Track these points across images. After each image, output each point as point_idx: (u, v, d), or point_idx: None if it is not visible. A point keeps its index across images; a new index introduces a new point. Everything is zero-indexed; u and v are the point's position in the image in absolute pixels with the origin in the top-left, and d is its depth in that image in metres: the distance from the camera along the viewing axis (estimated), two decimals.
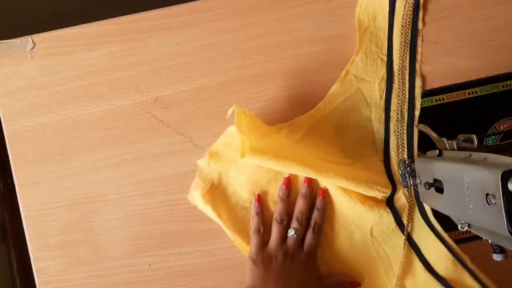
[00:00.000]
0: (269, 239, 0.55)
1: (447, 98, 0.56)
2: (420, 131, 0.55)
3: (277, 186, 0.56)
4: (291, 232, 0.54)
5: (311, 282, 0.54)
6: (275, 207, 0.56)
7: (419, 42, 0.56)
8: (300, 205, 0.55)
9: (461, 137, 0.46)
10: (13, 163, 0.58)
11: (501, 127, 0.56)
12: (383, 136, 0.56)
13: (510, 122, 0.56)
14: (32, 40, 0.57)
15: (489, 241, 0.45)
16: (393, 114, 0.56)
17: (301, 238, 0.55)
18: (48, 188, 0.58)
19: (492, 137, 0.56)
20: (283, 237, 0.54)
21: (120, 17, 0.58)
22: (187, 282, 0.58)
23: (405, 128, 0.56)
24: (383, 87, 0.56)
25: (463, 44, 0.56)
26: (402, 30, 0.55)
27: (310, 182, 0.55)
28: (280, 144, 0.54)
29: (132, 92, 0.58)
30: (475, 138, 0.45)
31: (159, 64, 0.57)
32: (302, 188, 0.55)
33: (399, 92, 0.56)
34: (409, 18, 0.55)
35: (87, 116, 0.58)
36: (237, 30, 0.57)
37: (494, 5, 0.56)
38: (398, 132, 0.55)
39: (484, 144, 0.56)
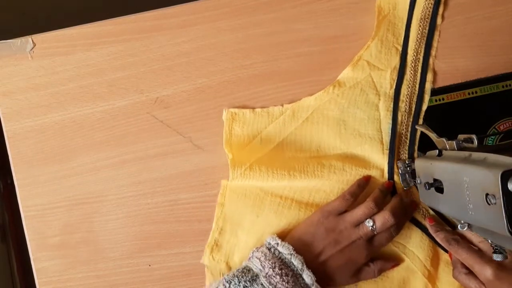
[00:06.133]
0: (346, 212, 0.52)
1: (447, 98, 0.56)
2: (420, 131, 0.55)
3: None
4: (369, 223, 0.50)
5: (353, 267, 0.51)
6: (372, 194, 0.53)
7: (436, 37, 0.56)
8: (395, 202, 0.53)
9: (461, 137, 0.46)
10: (13, 163, 0.58)
11: (501, 127, 0.56)
12: (390, 125, 0.55)
13: (510, 122, 0.56)
14: (32, 40, 0.57)
15: (489, 241, 0.45)
16: (401, 104, 0.55)
17: (373, 236, 0.51)
18: (48, 188, 0.58)
19: (492, 137, 0.56)
20: (360, 221, 0.51)
21: (120, 17, 0.57)
22: (187, 282, 0.58)
23: (411, 120, 0.56)
24: (394, 77, 0.56)
25: (463, 44, 0.56)
26: (420, 23, 0.55)
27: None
28: (268, 145, 0.56)
29: (132, 92, 0.58)
30: (475, 138, 0.45)
31: (159, 64, 0.57)
32: (402, 193, 0.55)
33: (410, 84, 0.55)
34: (428, 12, 0.55)
35: (87, 116, 0.58)
36: (237, 30, 0.57)
37: (494, 5, 0.56)
38: (404, 123, 0.55)
39: (484, 144, 0.56)
